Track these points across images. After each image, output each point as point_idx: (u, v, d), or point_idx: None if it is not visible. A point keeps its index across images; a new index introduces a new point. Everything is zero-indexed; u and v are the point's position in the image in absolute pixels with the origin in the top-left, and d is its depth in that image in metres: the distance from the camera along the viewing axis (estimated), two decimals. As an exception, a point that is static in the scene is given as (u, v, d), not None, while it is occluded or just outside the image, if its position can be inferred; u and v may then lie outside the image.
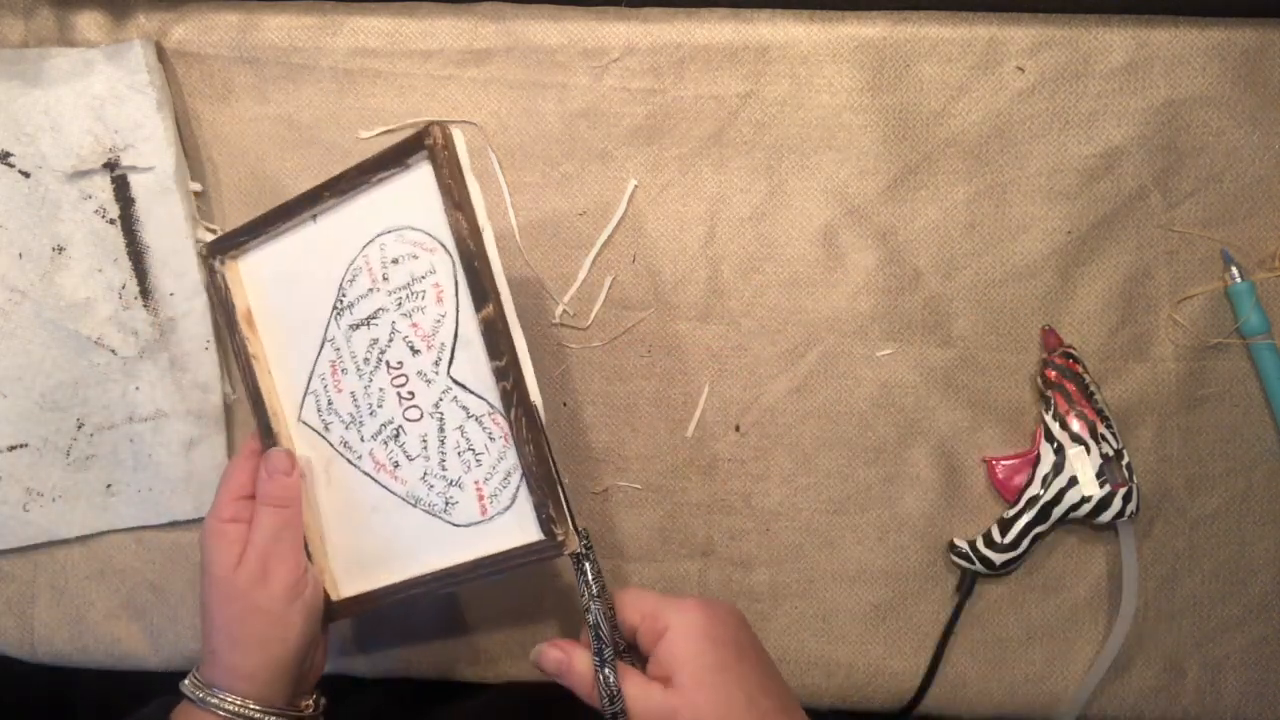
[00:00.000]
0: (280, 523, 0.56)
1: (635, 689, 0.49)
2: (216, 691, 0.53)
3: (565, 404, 0.66)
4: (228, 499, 0.57)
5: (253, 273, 0.59)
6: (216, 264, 0.59)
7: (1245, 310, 0.63)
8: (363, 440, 0.57)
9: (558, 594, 0.67)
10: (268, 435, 0.59)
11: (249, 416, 0.68)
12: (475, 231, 0.51)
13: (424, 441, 0.55)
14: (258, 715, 0.53)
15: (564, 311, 0.66)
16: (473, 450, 0.54)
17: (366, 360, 0.56)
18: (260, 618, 0.54)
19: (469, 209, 0.51)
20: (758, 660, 0.51)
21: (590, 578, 0.51)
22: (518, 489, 0.53)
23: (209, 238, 0.66)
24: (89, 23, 0.65)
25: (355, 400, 0.56)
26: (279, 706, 0.54)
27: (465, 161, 0.51)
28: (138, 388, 0.66)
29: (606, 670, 0.50)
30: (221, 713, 0.53)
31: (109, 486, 0.67)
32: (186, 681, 0.55)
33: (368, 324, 0.55)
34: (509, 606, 0.67)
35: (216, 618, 0.54)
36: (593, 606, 0.51)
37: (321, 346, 0.57)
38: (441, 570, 0.55)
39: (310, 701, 0.58)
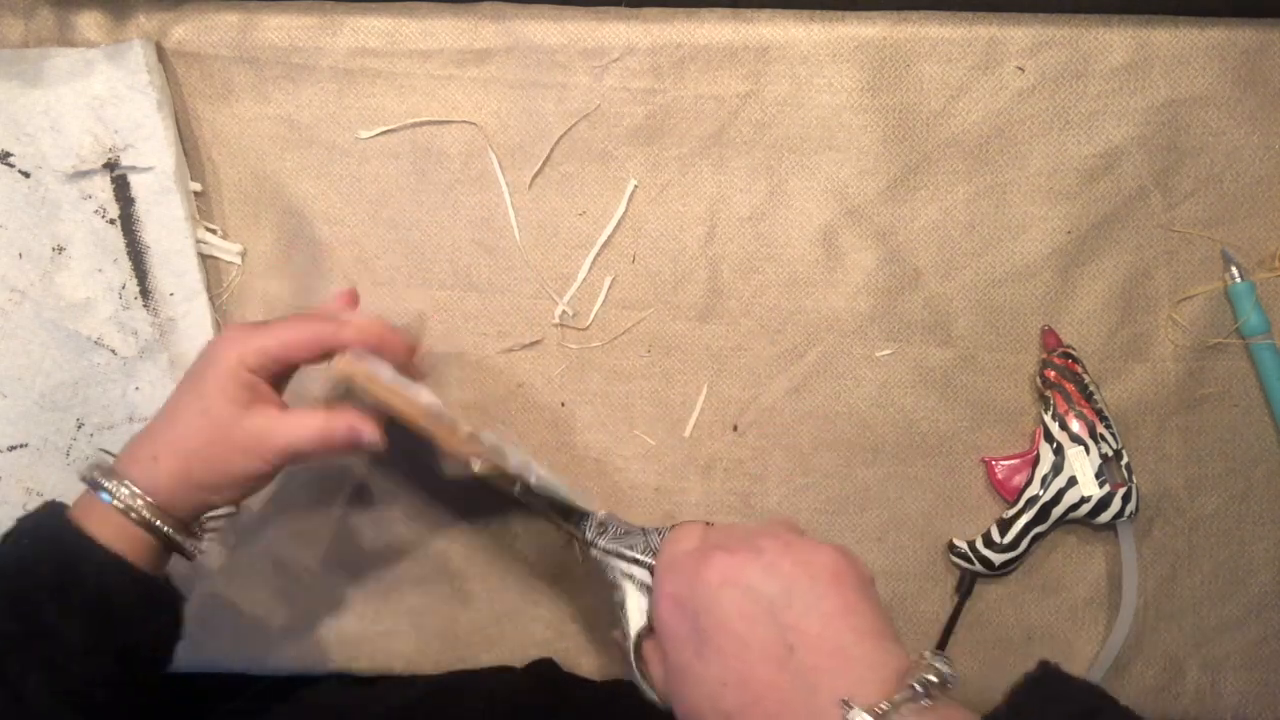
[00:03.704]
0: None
1: (654, 669, 0.47)
2: (135, 490, 0.50)
3: (564, 404, 0.66)
4: (278, 349, 0.51)
5: None
6: None
7: (1245, 310, 0.63)
8: None
9: (556, 594, 0.67)
10: None
11: (249, 416, 0.68)
12: None
13: None
14: (164, 531, 0.50)
15: (564, 311, 0.66)
16: None
17: None
18: (246, 472, 0.52)
19: None
20: (729, 641, 0.41)
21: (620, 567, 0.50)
22: None
23: (209, 237, 0.66)
24: (89, 23, 0.65)
25: None
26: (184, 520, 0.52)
27: None
28: (138, 388, 0.66)
29: (630, 655, 0.49)
30: (132, 515, 0.50)
31: (85, 462, 0.67)
32: (90, 466, 0.52)
33: None
34: (510, 606, 0.67)
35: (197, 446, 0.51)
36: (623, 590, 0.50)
37: None
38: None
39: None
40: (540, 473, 0.52)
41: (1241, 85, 0.62)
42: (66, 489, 0.67)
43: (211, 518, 0.55)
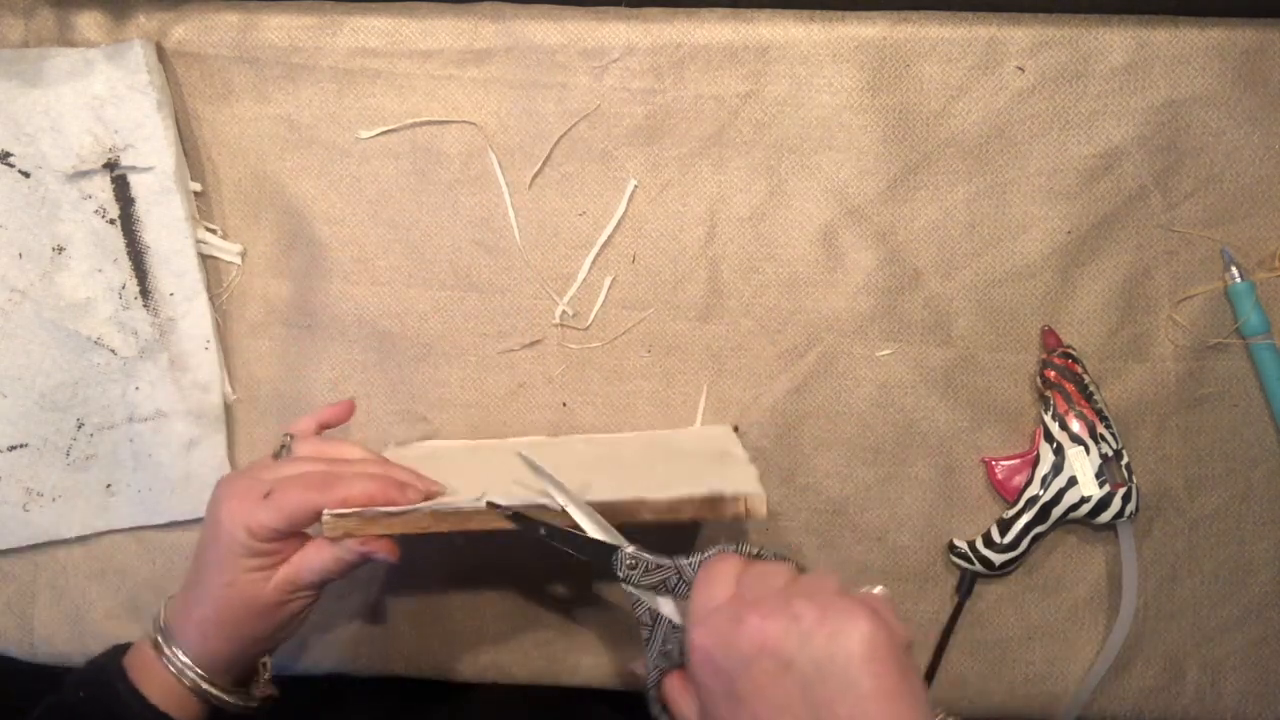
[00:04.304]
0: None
1: (674, 693, 0.47)
2: (178, 650, 0.52)
3: (565, 404, 0.66)
4: (307, 512, 0.52)
5: None
6: None
7: (1245, 310, 0.63)
8: None
9: (557, 586, 0.67)
10: None
11: (249, 416, 0.68)
12: None
13: None
14: (210, 694, 0.53)
15: (564, 311, 0.66)
16: None
17: None
18: (289, 616, 0.54)
19: None
20: (764, 711, 0.41)
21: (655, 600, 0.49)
22: None
23: (209, 237, 0.66)
24: (89, 23, 0.65)
25: None
26: (230, 687, 0.54)
27: None
28: (138, 388, 0.66)
29: (650, 692, 0.48)
30: (186, 680, 0.52)
31: (109, 486, 0.67)
32: (153, 623, 0.54)
33: None
34: (510, 606, 0.67)
35: (221, 609, 0.53)
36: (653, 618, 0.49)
37: None
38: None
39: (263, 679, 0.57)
40: (571, 503, 0.51)
41: (1241, 85, 0.62)
42: (66, 489, 0.67)
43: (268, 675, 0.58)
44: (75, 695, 0.53)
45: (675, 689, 0.47)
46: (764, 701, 0.40)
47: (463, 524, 0.53)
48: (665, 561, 0.49)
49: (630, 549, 0.49)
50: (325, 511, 0.52)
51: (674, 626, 0.48)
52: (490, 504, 0.52)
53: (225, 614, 0.52)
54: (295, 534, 0.53)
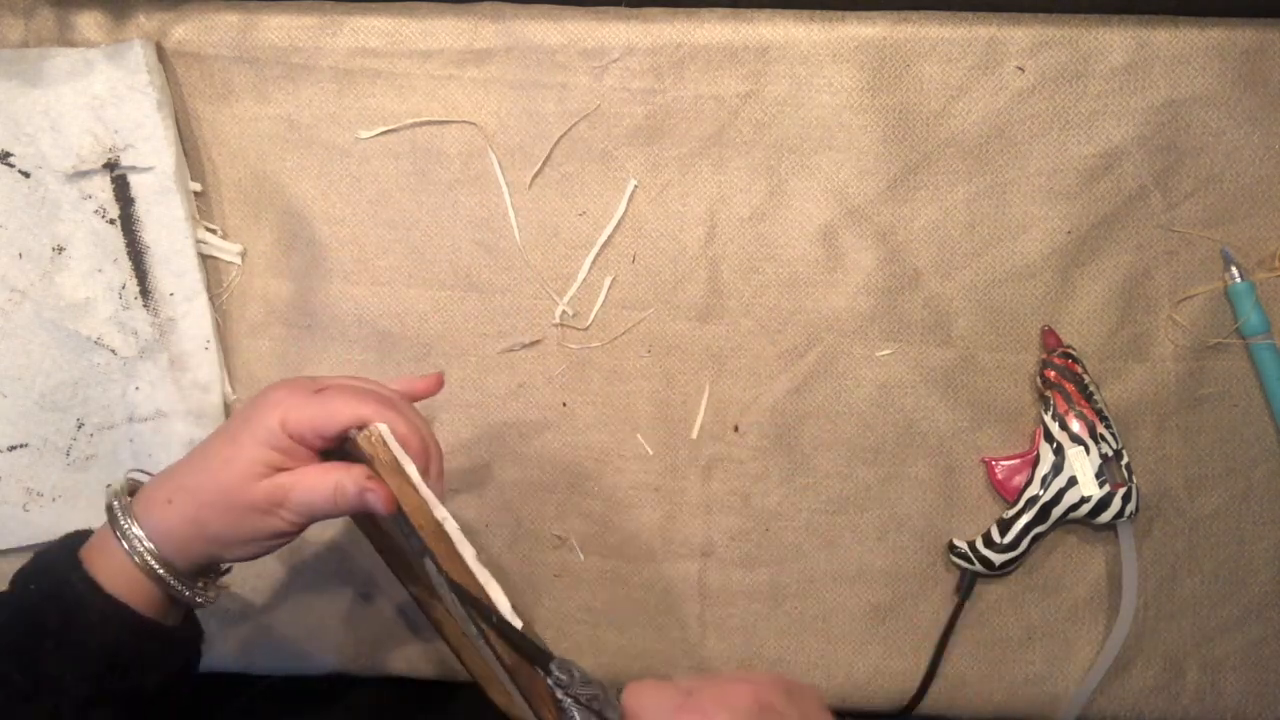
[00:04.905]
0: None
1: None
2: (134, 523, 0.49)
3: (565, 404, 0.66)
4: (331, 426, 0.49)
5: None
6: None
7: (1245, 310, 0.63)
8: None
9: (556, 593, 0.67)
10: None
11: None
12: None
13: None
14: (160, 575, 0.49)
15: (564, 311, 0.66)
16: None
17: None
18: (261, 531, 0.50)
19: None
20: None
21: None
22: None
23: (209, 237, 0.66)
24: (89, 23, 0.65)
25: None
26: (188, 579, 0.51)
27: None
28: (138, 388, 0.66)
29: None
30: (135, 560, 0.49)
31: (109, 487, 0.67)
32: (114, 493, 0.51)
33: None
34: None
35: (212, 512, 0.49)
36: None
37: None
38: None
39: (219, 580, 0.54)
40: (509, 618, 0.50)
41: (1241, 85, 0.62)
42: (66, 489, 0.67)
43: (226, 570, 0.55)
44: (25, 589, 0.50)
45: None
46: None
47: (443, 559, 0.51)
48: (592, 678, 0.48)
49: (558, 659, 0.49)
50: (376, 424, 0.49)
51: None
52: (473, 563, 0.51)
53: (206, 487, 0.49)
54: (312, 452, 0.50)
